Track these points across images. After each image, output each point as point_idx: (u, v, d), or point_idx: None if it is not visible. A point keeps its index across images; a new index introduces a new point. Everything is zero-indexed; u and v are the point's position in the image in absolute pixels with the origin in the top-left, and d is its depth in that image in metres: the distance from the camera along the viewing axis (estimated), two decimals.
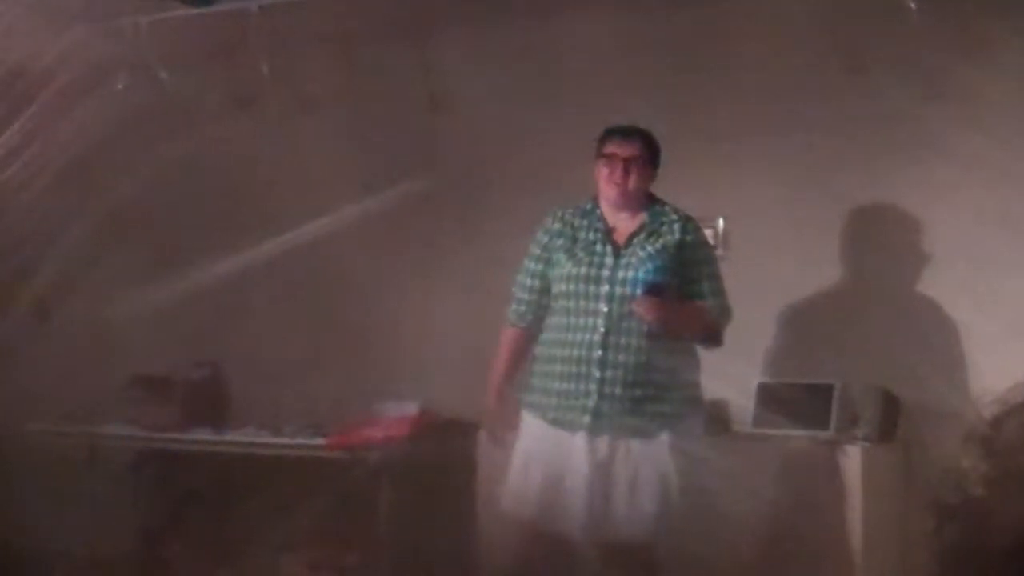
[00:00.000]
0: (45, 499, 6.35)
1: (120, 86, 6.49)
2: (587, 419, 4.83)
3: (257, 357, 6.65)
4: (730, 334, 5.15)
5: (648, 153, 5.00)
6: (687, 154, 6.01)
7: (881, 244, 5.83)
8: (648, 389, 4.84)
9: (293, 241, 6.56)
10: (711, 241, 5.95)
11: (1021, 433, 1.36)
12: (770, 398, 5.68)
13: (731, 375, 5.74)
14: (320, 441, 6.17)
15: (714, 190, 6.03)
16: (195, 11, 6.72)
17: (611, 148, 4.98)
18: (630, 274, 4.86)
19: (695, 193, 5.82)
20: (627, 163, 4.95)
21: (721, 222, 6.10)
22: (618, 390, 4.82)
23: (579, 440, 4.83)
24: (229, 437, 6.40)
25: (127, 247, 6.82)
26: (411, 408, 6.23)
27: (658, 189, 5.14)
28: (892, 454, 5.49)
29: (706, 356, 5.11)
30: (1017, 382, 1.44)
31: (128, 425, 6.51)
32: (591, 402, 4.83)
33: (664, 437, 4.82)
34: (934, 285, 5.65)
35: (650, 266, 4.86)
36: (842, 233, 5.86)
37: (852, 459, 5.34)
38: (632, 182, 4.95)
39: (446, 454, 6.02)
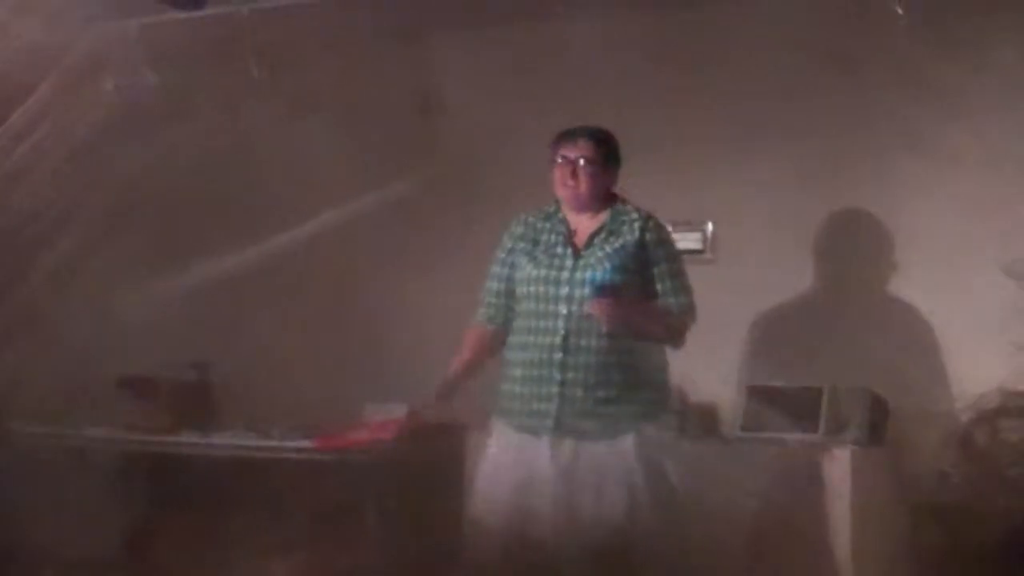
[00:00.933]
0: (32, 501, 6.34)
1: (110, 87, 6.48)
2: (549, 423, 4.80)
3: (246, 359, 6.63)
4: (718, 336, 5.15)
5: (601, 153, 4.96)
6: (677, 157, 6.04)
7: (869, 246, 5.83)
8: (611, 391, 4.78)
9: (283, 242, 6.56)
10: (699, 245, 5.97)
11: (994, 438, 1.36)
12: (759, 401, 5.68)
13: (720, 378, 5.75)
14: (308, 443, 6.14)
15: (703, 194, 6.04)
16: (185, 15, 6.74)
17: (561, 151, 4.97)
18: (588, 274, 4.83)
19: (684, 196, 5.84)
20: (576, 165, 4.93)
21: (710, 226, 6.10)
22: (579, 392, 4.78)
23: (543, 444, 4.80)
24: (217, 439, 6.38)
25: (116, 247, 6.81)
26: (399, 410, 6.20)
27: (646, 192, 5.12)
28: (881, 457, 5.48)
29: (695, 359, 5.09)
30: (991, 388, 1.44)
31: (115, 427, 6.49)
32: (553, 406, 4.80)
33: (629, 439, 4.76)
34: (922, 287, 5.65)
35: (607, 265, 4.82)
36: (830, 235, 5.86)
37: (841, 462, 5.33)
38: (584, 183, 4.93)
39: (434, 457, 6.00)
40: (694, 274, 4.96)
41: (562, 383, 4.79)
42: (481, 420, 5.05)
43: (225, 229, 6.75)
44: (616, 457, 4.75)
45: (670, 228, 5.06)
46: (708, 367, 5.37)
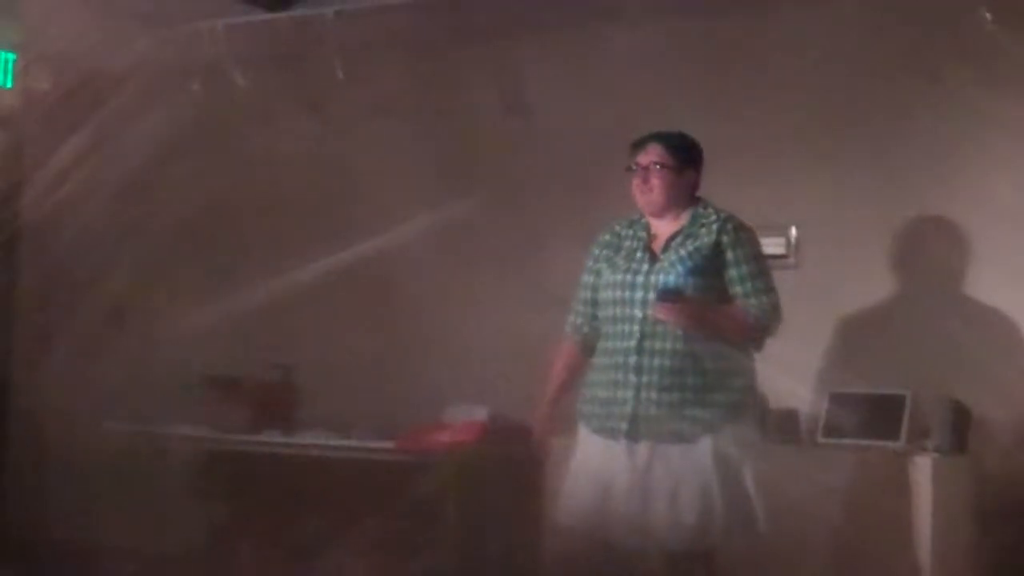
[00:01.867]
0: (118, 497, 6.43)
1: (195, 87, 6.55)
2: (625, 425, 4.79)
3: (329, 361, 6.68)
4: (800, 341, 5.10)
5: (675, 157, 4.93)
6: (761, 161, 6.01)
7: (952, 252, 5.77)
8: (686, 393, 4.75)
9: (366, 246, 6.59)
10: (782, 249, 5.94)
11: None
12: (841, 408, 5.64)
13: (802, 384, 5.72)
14: (389, 445, 6.17)
15: (787, 198, 6.01)
16: (271, 15, 6.80)
17: (634, 157, 4.97)
18: (662, 278, 4.81)
19: (768, 200, 5.80)
20: (647, 171, 4.92)
21: (793, 230, 6.07)
22: (654, 395, 4.76)
23: (620, 447, 4.79)
24: (298, 439, 6.44)
25: (202, 251, 6.89)
26: (480, 413, 6.22)
27: (729, 196, 5.08)
28: (963, 465, 5.43)
29: (777, 364, 5.05)
30: None
31: (199, 426, 6.57)
32: (628, 408, 4.78)
33: (706, 442, 4.73)
34: (1005, 294, 5.60)
35: (680, 269, 4.80)
36: (913, 241, 5.82)
37: (923, 470, 5.28)
38: (656, 189, 4.91)
39: (514, 460, 6.00)
40: (776, 279, 4.91)
41: (637, 386, 4.78)
42: (567, 424, 5.05)
43: (309, 233, 6.80)
44: (691, 460, 4.72)
45: None
46: (790, 372, 5.33)
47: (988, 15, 5.38)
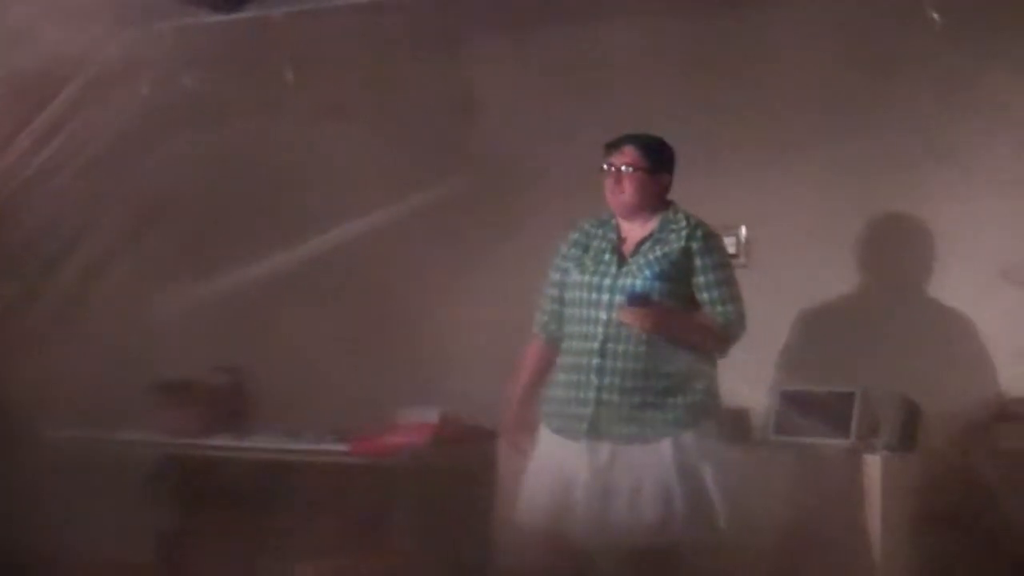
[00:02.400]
0: (66, 504, 6.37)
1: (144, 91, 6.50)
2: (585, 426, 4.83)
3: (280, 363, 6.65)
4: (751, 341, 5.12)
5: (648, 160, 4.97)
6: (711, 161, 6.01)
7: (902, 250, 5.80)
8: (647, 396, 4.81)
9: (317, 247, 6.56)
10: (732, 249, 5.94)
11: (988, 451, 1.34)
12: (792, 406, 5.67)
13: (753, 383, 5.73)
14: (342, 447, 6.15)
15: (736, 198, 6.02)
16: (220, 18, 6.76)
17: (607, 158, 5.00)
18: (628, 282, 4.85)
19: (719, 201, 5.80)
20: (621, 173, 4.95)
21: (743, 230, 6.08)
22: (615, 397, 4.81)
23: (581, 447, 4.83)
24: (250, 443, 6.40)
25: (150, 252, 6.83)
26: (433, 415, 6.22)
27: (679, 195, 5.12)
28: (912, 462, 5.45)
29: (728, 364, 5.07)
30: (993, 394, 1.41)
31: (149, 431, 6.51)
32: (589, 410, 4.83)
33: (666, 444, 4.78)
34: (954, 292, 5.62)
35: (647, 273, 4.85)
36: (863, 240, 5.84)
37: (872, 467, 5.31)
38: (629, 191, 4.96)
39: (467, 461, 6.00)
40: None
41: (599, 388, 4.83)
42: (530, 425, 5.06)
43: (260, 234, 6.76)
44: (652, 461, 4.77)
45: None
46: (741, 371, 5.33)
47: (935, 14, 5.39)
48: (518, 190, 6.51)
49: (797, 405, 5.63)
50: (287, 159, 6.95)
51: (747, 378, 5.58)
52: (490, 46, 6.63)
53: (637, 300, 4.78)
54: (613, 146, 5.01)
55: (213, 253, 6.76)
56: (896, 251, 5.84)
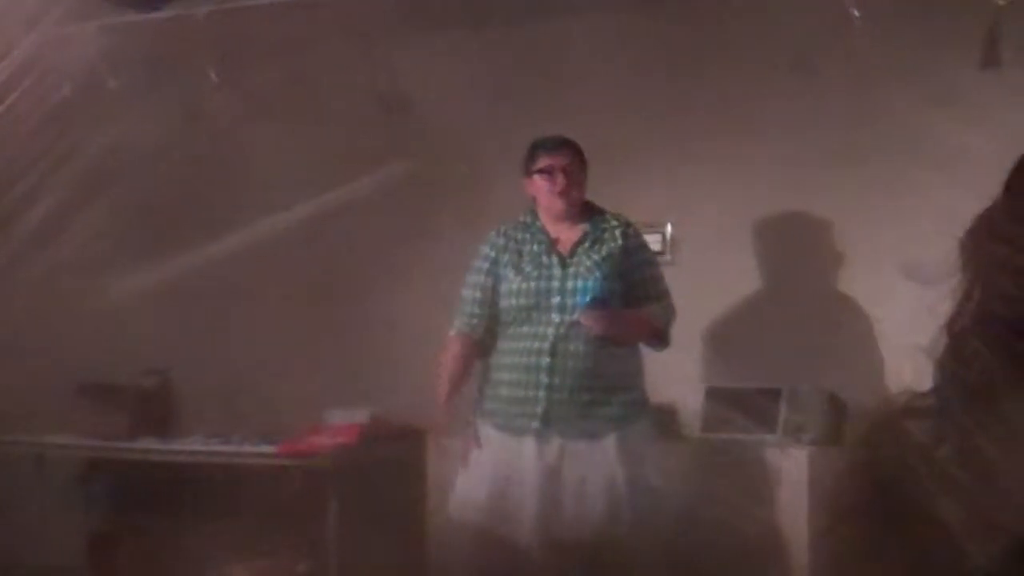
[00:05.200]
0: None
1: (66, 92, 6.44)
2: (535, 424, 4.88)
3: (207, 365, 6.61)
4: (678, 338, 5.17)
5: (580, 161, 5.07)
6: (635, 159, 6.03)
7: (828, 247, 5.83)
8: (595, 393, 4.89)
9: (244, 247, 6.53)
10: (659, 247, 5.97)
11: (895, 446, 1.35)
12: (718, 402, 5.70)
13: (679, 379, 5.75)
14: (269, 449, 6.13)
15: (662, 195, 6.03)
16: (142, 17, 6.70)
17: (547, 160, 5.02)
18: (579, 283, 4.91)
19: (642, 198, 5.82)
20: (566, 172, 4.99)
21: (669, 227, 6.10)
22: (566, 395, 4.88)
23: (527, 444, 4.88)
24: (177, 446, 6.36)
25: (74, 251, 6.77)
26: (361, 415, 6.21)
27: (607, 194, 5.16)
28: (837, 457, 5.48)
29: (655, 360, 5.14)
30: (900, 390, 1.43)
31: (75, 434, 6.46)
32: (540, 407, 4.88)
33: (611, 439, 4.86)
34: (878, 289, 5.65)
35: (598, 274, 4.91)
36: (787, 237, 5.88)
37: (799, 463, 5.34)
38: (574, 191, 5.02)
39: (396, 461, 6.00)
40: None
41: (549, 386, 4.89)
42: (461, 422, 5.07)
43: (185, 234, 6.71)
44: (599, 456, 4.85)
45: None
46: (668, 368, 5.37)
47: (855, 11, 5.42)
48: (446, 193, 6.50)
49: (724, 402, 5.67)
50: (211, 158, 6.90)
51: (674, 374, 5.61)
52: (418, 43, 6.61)
53: (597, 303, 4.84)
54: (547, 148, 5.03)
55: (139, 253, 6.71)
56: (819, 249, 5.87)
